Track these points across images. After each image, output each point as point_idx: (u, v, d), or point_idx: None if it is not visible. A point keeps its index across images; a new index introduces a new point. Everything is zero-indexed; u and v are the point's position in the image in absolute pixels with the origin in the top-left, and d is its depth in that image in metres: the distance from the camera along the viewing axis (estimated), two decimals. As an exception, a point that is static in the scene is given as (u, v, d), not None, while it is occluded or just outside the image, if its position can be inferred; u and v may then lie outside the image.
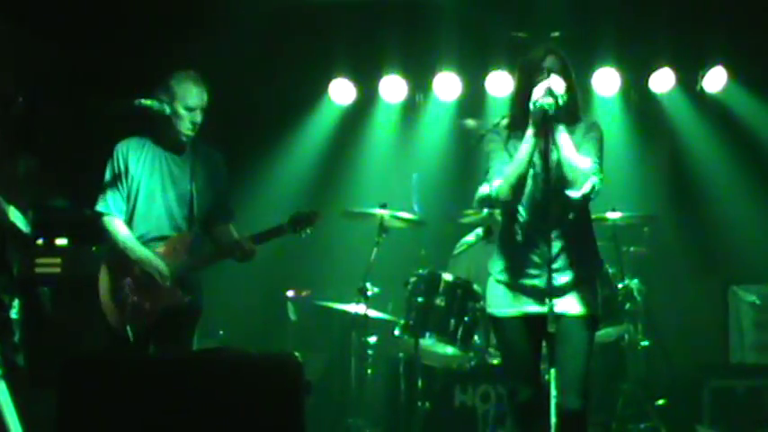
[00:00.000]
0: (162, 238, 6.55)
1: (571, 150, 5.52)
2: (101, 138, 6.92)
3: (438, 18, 9.38)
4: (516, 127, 5.71)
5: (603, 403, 8.33)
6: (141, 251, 6.49)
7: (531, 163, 5.56)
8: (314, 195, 9.88)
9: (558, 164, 5.56)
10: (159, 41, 8.89)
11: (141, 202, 6.58)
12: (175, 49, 8.76)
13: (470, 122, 10.07)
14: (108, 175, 6.63)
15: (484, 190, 5.85)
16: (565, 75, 5.61)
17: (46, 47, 8.73)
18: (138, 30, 8.87)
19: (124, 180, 6.59)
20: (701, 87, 9.90)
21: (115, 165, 6.62)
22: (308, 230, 6.81)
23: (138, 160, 6.61)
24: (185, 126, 6.59)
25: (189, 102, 6.60)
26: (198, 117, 6.63)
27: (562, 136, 5.52)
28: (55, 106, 8.61)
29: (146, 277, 6.48)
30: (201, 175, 6.64)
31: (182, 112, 6.57)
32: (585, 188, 5.53)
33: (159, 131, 6.65)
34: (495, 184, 5.65)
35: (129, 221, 6.58)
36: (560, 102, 5.49)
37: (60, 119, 8.64)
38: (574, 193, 5.54)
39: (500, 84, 9.67)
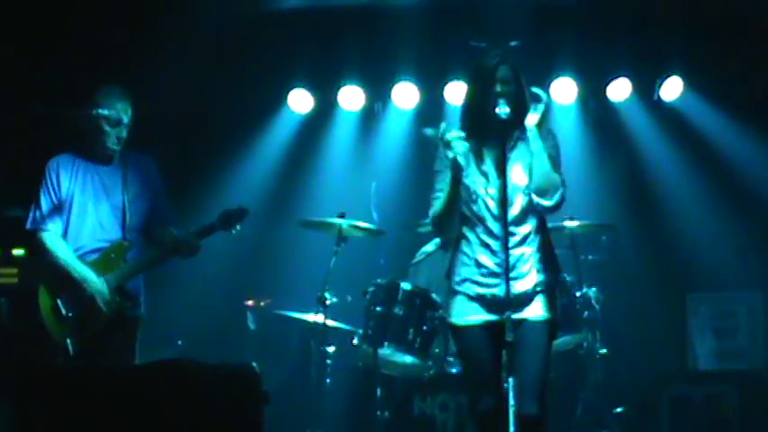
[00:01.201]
0: (97, 251, 6.62)
1: (546, 159, 5.57)
2: (57, 147, 6.93)
3: (396, 27, 9.39)
4: (469, 136, 5.74)
5: (562, 411, 8.35)
6: (82, 270, 6.59)
7: (452, 199, 5.67)
8: (273, 204, 9.87)
9: (527, 172, 5.63)
10: (116, 51, 8.84)
11: (75, 216, 6.70)
12: (133, 59, 8.73)
13: (430, 131, 10.06)
14: (42, 193, 6.73)
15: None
16: (517, 83, 5.66)
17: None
18: (93, 39, 8.81)
19: (57, 196, 6.70)
20: (658, 96, 9.95)
21: (47, 182, 6.73)
22: (238, 227, 6.94)
23: (69, 176, 6.75)
24: (111, 141, 6.68)
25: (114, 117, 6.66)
26: (123, 132, 6.71)
27: (536, 145, 5.55)
28: (10, 115, 8.56)
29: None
30: (134, 184, 6.76)
31: (106, 127, 6.66)
32: (557, 197, 5.60)
33: (87, 145, 6.73)
34: (432, 219, 5.83)
35: (64, 236, 6.68)
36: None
37: (16, 128, 8.59)
38: (546, 203, 5.60)
39: (459, 93, 9.67)
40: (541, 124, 5.65)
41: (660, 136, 10.06)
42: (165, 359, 5.52)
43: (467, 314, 5.73)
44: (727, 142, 9.78)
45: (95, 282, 6.56)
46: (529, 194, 5.67)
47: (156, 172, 6.97)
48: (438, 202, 5.75)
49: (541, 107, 5.67)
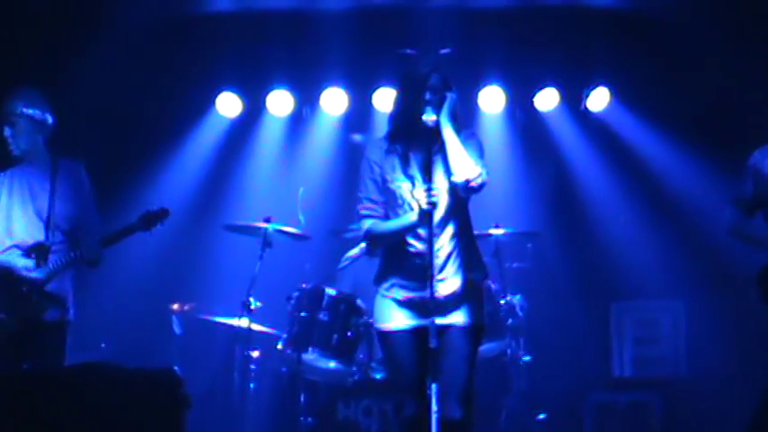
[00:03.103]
0: (20, 252, 6.58)
1: (456, 140, 5.61)
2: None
3: (326, 32, 9.38)
4: (396, 141, 5.77)
5: (486, 418, 8.37)
6: (2, 257, 6.58)
7: (401, 236, 5.72)
8: (199, 208, 9.82)
9: (444, 166, 5.65)
10: (44, 52, 8.76)
11: (1, 219, 6.65)
12: (59, 60, 8.66)
13: (358, 137, 10.08)
14: None
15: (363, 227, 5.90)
16: (446, 91, 5.69)
17: None
18: (21, 40, 8.73)
19: None
20: (585, 106, 10.04)
21: None
22: (158, 226, 6.91)
23: None
24: (27, 141, 6.73)
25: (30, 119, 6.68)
26: (42, 133, 6.76)
27: (446, 129, 5.60)
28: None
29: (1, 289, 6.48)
30: (62, 189, 6.74)
31: (25, 128, 6.67)
32: (473, 173, 5.59)
33: (9, 148, 6.75)
34: (366, 236, 5.86)
35: None
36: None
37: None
38: (459, 179, 5.61)
39: (387, 99, 9.69)
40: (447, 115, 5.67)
41: (586, 146, 10.16)
42: (85, 362, 5.49)
43: (394, 320, 5.75)
44: (651, 153, 9.92)
45: (20, 258, 6.56)
46: (453, 197, 5.71)
47: (87, 179, 6.96)
48: (381, 227, 5.77)
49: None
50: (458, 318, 5.69)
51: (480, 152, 5.74)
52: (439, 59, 8.77)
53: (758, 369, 6.66)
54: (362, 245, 8.42)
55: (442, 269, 5.66)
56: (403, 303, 5.74)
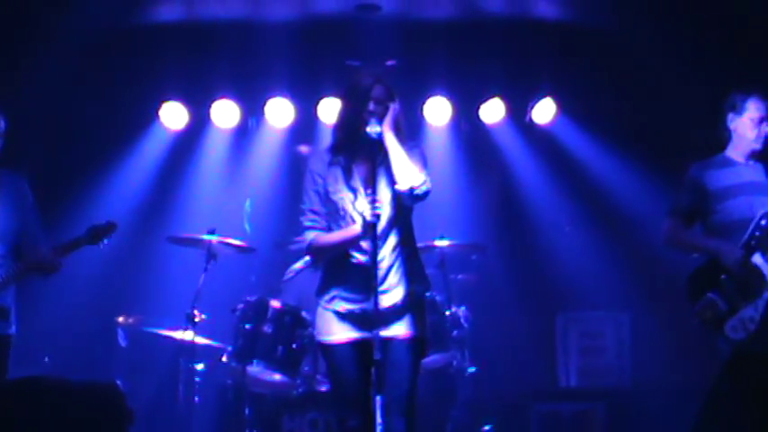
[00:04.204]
0: None
1: (399, 149, 5.62)
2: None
3: (271, 43, 9.38)
4: (340, 152, 5.78)
5: (432, 429, 8.39)
6: None
7: (344, 247, 5.72)
8: (144, 220, 9.76)
9: (387, 177, 5.66)
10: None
11: None
12: (1, 71, 8.60)
13: (303, 148, 10.07)
14: None
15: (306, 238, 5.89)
16: (390, 102, 5.71)
17: None
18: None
19: None
20: (531, 119, 10.09)
21: None
22: (105, 241, 6.87)
23: None
24: None
25: None
26: None
27: (388, 137, 5.60)
28: None
29: None
30: (3, 201, 6.61)
31: None
32: (417, 180, 5.60)
33: None
34: (309, 248, 5.85)
35: None
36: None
37: None
38: (403, 186, 5.61)
39: (332, 109, 9.69)
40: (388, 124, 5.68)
41: (532, 158, 10.22)
42: (26, 376, 5.44)
43: (336, 332, 5.75)
44: (596, 165, 9.99)
45: None
46: (396, 208, 5.71)
47: (28, 190, 6.87)
48: (324, 238, 5.77)
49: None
50: (399, 330, 5.69)
51: (424, 161, 5.75)
52: (383, 71, 8.82)
53: (701, 379, 6.71)
54: (307, 257, 8.41)
55: (383, 280, 5.65)
56: (344, 316, 5.73)
